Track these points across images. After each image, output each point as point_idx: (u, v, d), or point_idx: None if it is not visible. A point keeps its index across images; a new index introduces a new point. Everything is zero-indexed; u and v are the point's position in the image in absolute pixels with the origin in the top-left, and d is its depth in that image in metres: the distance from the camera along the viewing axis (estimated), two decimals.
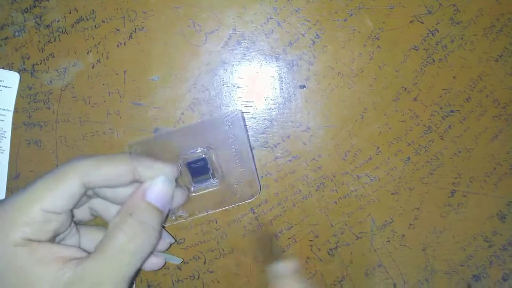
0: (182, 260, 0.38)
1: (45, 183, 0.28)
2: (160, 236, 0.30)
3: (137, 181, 0.31)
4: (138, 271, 0.30)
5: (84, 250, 0.29)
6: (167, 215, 0.34)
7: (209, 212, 0.36)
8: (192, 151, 0.34)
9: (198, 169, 0.33)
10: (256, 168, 0.35)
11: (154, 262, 0.34)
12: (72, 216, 0.32)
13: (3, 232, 0.27)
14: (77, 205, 0.30)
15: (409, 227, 0.39)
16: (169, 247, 0.36)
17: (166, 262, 0.36)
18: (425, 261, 0.39)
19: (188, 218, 0.36)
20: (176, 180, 0.32)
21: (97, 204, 0.33)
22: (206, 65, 0.36)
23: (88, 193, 0.31)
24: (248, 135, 0.33)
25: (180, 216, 0.35)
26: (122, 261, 0.27)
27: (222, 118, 0.33)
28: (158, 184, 0.30)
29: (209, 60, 0.36)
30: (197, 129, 0.34)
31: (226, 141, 0.33)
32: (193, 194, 0.35)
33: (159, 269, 0.35)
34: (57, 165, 0.38)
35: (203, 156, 0.33)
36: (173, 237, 0.37)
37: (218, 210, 0.36)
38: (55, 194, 0.28)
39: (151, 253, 0.30)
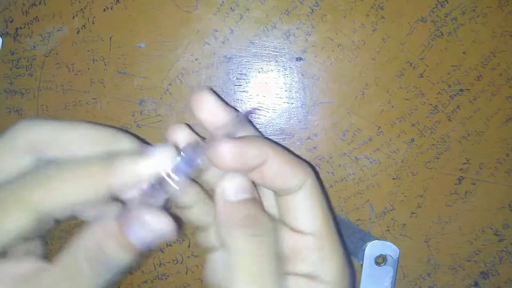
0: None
1: None
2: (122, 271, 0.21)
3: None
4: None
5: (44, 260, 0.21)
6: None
7: None
8: None
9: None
10: None
11: None
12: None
13: None
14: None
15: (411, 216, 0.35)
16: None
17: None
18: (428, 254, 0.35)
19: None
20: None
21: None
22: (196, 33, 0.33)
23: None
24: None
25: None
26: (80, 284, 0.19)
27: None
28: (147, 224, 0.19)
29: (199, 27, 0.33)
30: None
31: None
32: None
33: None
34: None
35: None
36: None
37: None
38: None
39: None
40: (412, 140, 0.34)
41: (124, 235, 0.20)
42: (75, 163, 0.20)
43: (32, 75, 0.34)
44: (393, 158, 0.34)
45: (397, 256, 0.34)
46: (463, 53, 0.33)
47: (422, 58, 0.33)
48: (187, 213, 0.26)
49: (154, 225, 0.20)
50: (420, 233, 0.35)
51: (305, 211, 0.22)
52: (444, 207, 0.35)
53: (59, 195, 0.19)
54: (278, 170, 0.21)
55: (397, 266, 0.34)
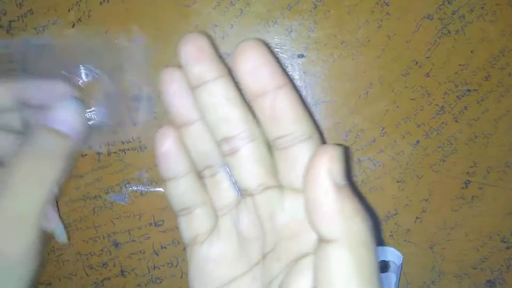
0: (66, 241, 0.33)
1: None
2: (69, 164, 0.25)
3: (25, 106, 0.27)
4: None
5: None
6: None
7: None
8: (78, 69, 0.29)
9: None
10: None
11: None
12: None
13: None
14: None
15: (415, 220, 0.33)
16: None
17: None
18: (432, 260, 0.33)
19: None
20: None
21: None
22: (195, 28, 0.32)
23: None
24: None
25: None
26: (26, 193, 0.23)
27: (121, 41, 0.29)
28: (62, 107, 0.25)
29: (198, 22, 0.32)
30: (83, 43, 0.29)
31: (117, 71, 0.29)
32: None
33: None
34: None
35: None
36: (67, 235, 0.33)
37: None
38: None
39: (61, 183, 0.25)
40: (418, 141, 0.32)
41: (46, 124, 0.25)
42: None
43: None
44: (398, 160, 0.32)
45: (401, 262, 0.32)
46: (471, 52, 0.31)
47: (428, 57, 0.31)
48: (170, 187, 0.24)
49: (68, 110, 0.25)
50: (425, 239, 0.33)
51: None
52: (450, 212, 0.33)
53: None
54: (287, 107, 0.20)
55: (400, 273, 0.33)
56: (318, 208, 0.17)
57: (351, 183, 0.19)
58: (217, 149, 0.23)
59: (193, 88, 0.22)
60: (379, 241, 0.33)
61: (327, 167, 0.17)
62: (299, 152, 0.20)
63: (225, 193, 0.24)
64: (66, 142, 0.25)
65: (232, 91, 0.22)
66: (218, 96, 0.21)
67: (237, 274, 0.23)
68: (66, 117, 0.25)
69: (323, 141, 0.20)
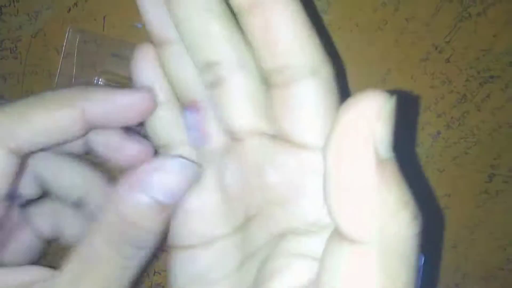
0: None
1: None
2: (162, 236, 0.19)
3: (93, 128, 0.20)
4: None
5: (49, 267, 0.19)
6: None
7: None
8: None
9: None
10: None
11: None
12: (14, 196, 0.21)
13: None
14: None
15: None
16: None
17: None
18: (455, 261, 0.31)
19: None
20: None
21: (44, 168, 0.23)
22: None
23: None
24: None
25: None
26: (107, 276, 0.17)
27: None
28: (171, 170, 0.17)
29: None
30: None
31: None
32: None
33: None
34: None
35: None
36: None
37: None
38: None
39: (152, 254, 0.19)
40: (438, 133, 0.30)
41: (143, 192, 0.16)
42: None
43: (16, 58, 0.30)
44: (417, 153, 0.30)
45: (421, 263, 0.30)
46: (494, 36, 0.29)
47: (448, 41, 0.29)
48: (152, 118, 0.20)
49: (179, 174, 0.17)
50: (447, 237, 0.31)
51: (318, 112, 0.15)
52: (474, 208, 0.31)
53: (31, 127, 0.18)
54: (286, 27, 0.14)
55: (422, 275, 0.30)
56: (344, 193, 0.12)
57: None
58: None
59: None
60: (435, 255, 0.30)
61: (369, 129, 0.11)
62: (300, 92, 0.15)
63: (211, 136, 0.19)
64: (163, 216, 0.17)
65: (217, 2, 0.16)
66: (197, 6, 0.16)
67: (219, 233, 0.18)
68: (175, 185, 0.17)
69: (339, 80, 0.15)
